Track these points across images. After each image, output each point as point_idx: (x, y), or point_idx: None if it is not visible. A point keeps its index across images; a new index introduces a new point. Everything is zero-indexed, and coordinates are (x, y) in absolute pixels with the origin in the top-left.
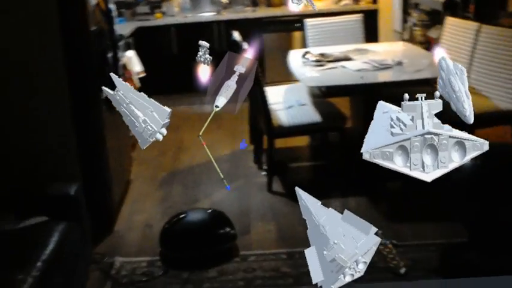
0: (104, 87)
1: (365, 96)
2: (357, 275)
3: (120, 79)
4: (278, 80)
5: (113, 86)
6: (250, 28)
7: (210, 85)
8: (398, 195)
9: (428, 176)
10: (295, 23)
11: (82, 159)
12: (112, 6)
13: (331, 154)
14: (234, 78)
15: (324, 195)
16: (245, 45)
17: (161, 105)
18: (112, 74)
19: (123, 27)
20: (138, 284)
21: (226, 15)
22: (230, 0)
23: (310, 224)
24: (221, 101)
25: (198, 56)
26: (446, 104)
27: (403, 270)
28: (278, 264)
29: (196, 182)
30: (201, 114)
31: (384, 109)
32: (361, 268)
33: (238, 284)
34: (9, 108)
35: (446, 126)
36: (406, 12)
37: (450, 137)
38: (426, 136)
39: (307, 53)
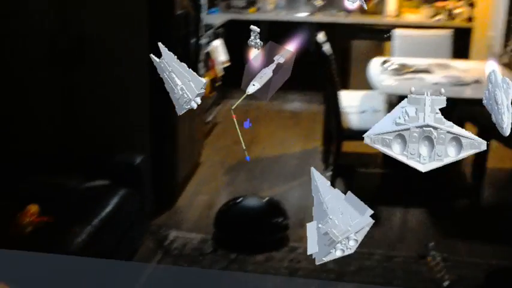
0: (151, 55)
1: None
2: (347, 252)
3: (165, 49)
4: (362, 87)
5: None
6: (340, 33)
7: (247, 70)
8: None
9: (424, 167)
10: (386, 32)
11: (154, 137)
12: None
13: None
14: (272, 66)
15: (385, 203)
16: (327, 48)
17: (198, 76)
18: (159, 43)
19: (215, 18)
20: (187, 257)
21: (319, 18)
22: (325, 3)
23: (316, 201)
24: (254, 86)
25: (250, 40)
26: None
27: (446, 284)
28: None
29: (262, 172)
30: (280, 110)
31: (403, 104)
32: (352, 245)
33: (281, 272)
34: (94, 82)
35: (449, 122)
36: (508, 36)
37: (448, 132)
38: (425, 128)
39: (386, 61)
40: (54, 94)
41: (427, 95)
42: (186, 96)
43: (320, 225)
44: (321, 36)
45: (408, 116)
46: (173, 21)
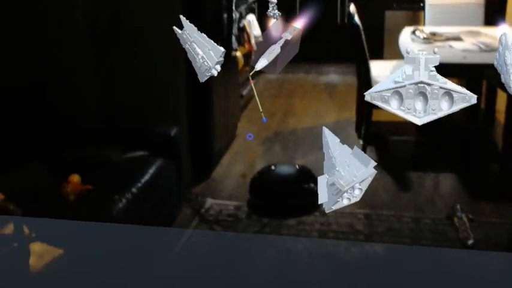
0: (174, 27)
1: (466, 77)
2: (353, 200)
3: (187, 20)
4: (395, 57)
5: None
6: (374, 4)
7: (258, 47)
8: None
9: (419, 120)
10: (420, 2)
11: (190, 110)
12: None
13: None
14: (280, 43)
15: (414, 169)
16: (356, 19)
17: (216, 45)
18: (181, 16)
19: None
20: (222, 222)
21: None
22: None
23: (326, 156)
24: (262, 62)
25: (268, 11)
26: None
27: (470, 242)
28: (353, 222)
29: (296, 143)
30: (315, 83)
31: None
32: (357, 194)
33: (312, 234)
34: (132, 57)
35: (443, 79)
36: None
37: (441, 87)
38: (419, 85)
39: (416, 30)
40: (94, 70)
41: (422, 54)
42: (206, 64)
43: (328, 177)
44: (351, 8)
45: (405, 74)
46: None
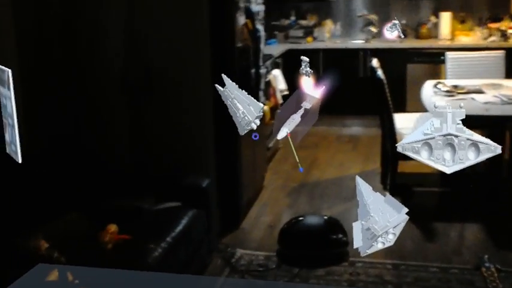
0: (216, 85)
1: (489, 129)
2: (387, 244)
3: (228, 79)
4: (417, 109)
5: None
6: (395, 58)
7: (278, 117)
8: None
9: (448, 169)
10: (440, 55)
11: (219, 162)
12: (260, 27)
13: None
14: (300, 112)
15: (441, 219)
16: (380, 73)
17: (256, 101)
18: (223, 75)
19: (274, 48)
20: (252, 272)
21: (374, 44)
22: (379, 30)
23: (360, 204)
24: (283, 132)
25: (301, 69)
26: None
27: None
28: (382, 273)
29: (322, 194)
30: (339, 135)
31: (431, 119)
32: (391, 238)
33: (342, 284)
34: (162, 110)
35: (469, 131)
36: None
37: (468, 139)
38: (447, 137)
39: (439, 83)
40: (126, 121)
41: (449, 109)
42: (246, 118)
43: (363, 222)
44: (374, 62)
45: (434, 127)
46: (234, 54)
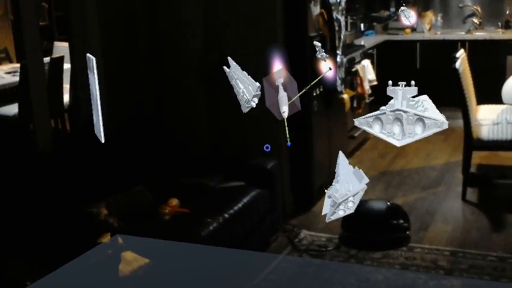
0: (224, 66)
1: None
2: (348, 212)
3: (233, 61)
4: None
5: None
6: (496, 49)
7: (270, 106)
8: None
9: (399, 143)
10: None
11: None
12: (340, 17)
13: None
14: (281, 89)
15: (507, 209)
16: (458, 64)
17: (254, 81)
18: (229, 57)
19: (370, 39)
20: (311, 251)
21: (475, 35)
22: (481, 22)
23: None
24: (284, 108)
25: (316, 54)
26: None
27: None
28: (438, 258)
29: (400, 183)
30: None
31: None
32: (350, 206)
33: (395, 268)
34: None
35: (422, 107)
36: None
37: (415, 114)
38: (396, 112)
39: None
40: (203, 103)
41: (401, 86)
42: (245, 97)
43: (326, 191)
44: (459, 53)
45: (389, 104)
46: (306, 42)
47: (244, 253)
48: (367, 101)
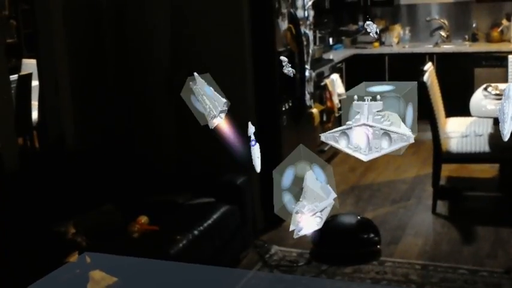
0: (190, 82)
1: None
2: (315, 227)
3: (199, 77)
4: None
5: None
6: (463, 62)
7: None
8: None
9: (365, 157)
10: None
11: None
12: (308, 32)
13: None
14: (253, 141)
15: (485, 223)
16: (426, 77)
17: (220, 97)
18: (194, 73)
19: (339, 53)
20: (282, 267)
21: (443, 48)
22: (449, 35)
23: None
24: (258, 164)
25: (283, 69)
26: None
27: None
28: (409, 272)
29: (371, 196)
30: None
31: None
32: (318, 221)
33: (366, 282)
34: None
35: (387, 122)
36: None
37: (381, 129)
38: (362, 127)
39: (489, 86)
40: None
41: (367, 101)
42: (212, 113)
43: (293, 206)
44: (426, 66)
45: (354, 118)
46: (274, 58)
47: (215, 269)
48: (337, 115)
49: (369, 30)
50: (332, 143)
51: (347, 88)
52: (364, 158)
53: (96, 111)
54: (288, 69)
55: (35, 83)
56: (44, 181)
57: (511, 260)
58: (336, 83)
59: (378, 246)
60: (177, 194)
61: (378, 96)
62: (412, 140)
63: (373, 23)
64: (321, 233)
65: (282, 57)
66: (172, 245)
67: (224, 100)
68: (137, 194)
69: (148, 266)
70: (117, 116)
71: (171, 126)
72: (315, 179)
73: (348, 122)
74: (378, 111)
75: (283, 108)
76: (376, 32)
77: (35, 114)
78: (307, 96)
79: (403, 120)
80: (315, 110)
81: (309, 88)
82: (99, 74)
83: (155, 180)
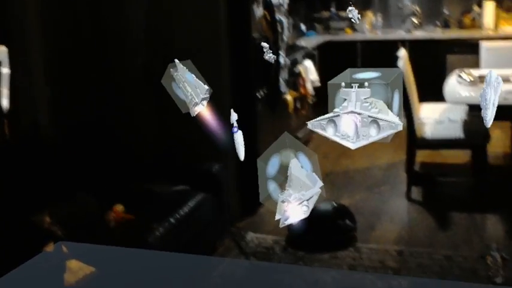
0: (170, 69)
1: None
2: (302, 216)
3: (180, 64)
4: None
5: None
6: (435, 48)
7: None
8: None
9: (353, 145)
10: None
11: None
12: (283, 18)
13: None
14: (235, 127)
15: (460, 208)
16: (400, 63)
17: (202, 84)
18: (176, 60)
19: (312, 40)
20: (258, 254)
21: (415, 35)
22: (421, 22)
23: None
24: (242, 152)
25: (264, 55)
26: None
27: (498, 280)
28: (386, 258)
29: (346, 183)
30: None
31: None
32: (305, 210)
33: (343, 268)
34: None
35: (374, 109)
36: None
37: (369, 116)
38: (350, 114)
39: (463, 72)
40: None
41: (354, 88)
42: (194, 100)
43: (280, 195)
44: (400, 52)
45: (342, 105)
46: (250, 44)
47: (191, 257)
48: (310, 102)
49: (350, 16)
50: (319, 130)
51: (321, 75)
52: (352, 146)
53: (71, 99)
54: (269, 56)
55: (4, 70)
56: (18, 170)
57: (486, 245)
58: (309, 70)
59: (354, 233)
60: (153, 183)
61: (366, 83)
62: (400, 128)
63: (346, 9)
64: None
65: (263, 44)
66: (149, 233)
67: (206, 87)
68: (113, 182)
69: (125, 254)
70: (93, 104)
71: (149, 113)
72: (300, 167)
73: (334, 110)
74: (365, 99)
75: (259, 96)
76: (358, 18)
77: (4, 102)
78: (282, 83)
79: (390, 107)
80: (289, 97)
81: (284, 75)
82: (74, 61)
83: (131, 168)
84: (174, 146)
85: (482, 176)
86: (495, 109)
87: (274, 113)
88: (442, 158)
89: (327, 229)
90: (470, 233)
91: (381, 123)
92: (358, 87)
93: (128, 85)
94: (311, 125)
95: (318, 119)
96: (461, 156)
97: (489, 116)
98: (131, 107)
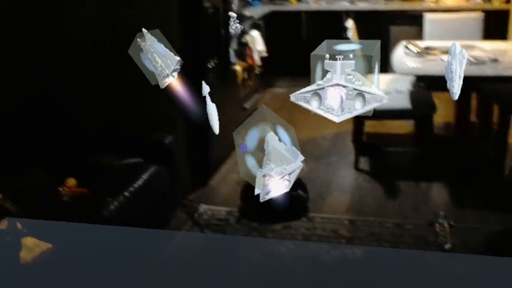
0: (137, 39)
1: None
2: (283, 190)
3: (149, 33)
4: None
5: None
6: (379, 20)
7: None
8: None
9: (337, 118)
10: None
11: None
12: None
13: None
14: (208, 99)
15: (406, 177)
16: (350, 34)
17: (173, 55)
18: (144, 29)
19: (257, 10)
20: (212, 226)
21: (360, 6)
22: None
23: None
24: (216, 125)
25: (230, 26)
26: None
27: (447, 246)
28: (338, 227)
29: None
30: None
31: None
32: (286, 184)
33: (296, 238)
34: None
35: (358, 82)
36: None
37: (354, 89)
38: (335, 87)
39: (410, 44)
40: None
41: (339, 60)
42: (164, 72)
43: (261, 170)
44: (348, 23)
45: (326, 78)
46: (201, 14)
47: (146, 231)
48: (257, 72)
49: None
50: (302, 103)
51: (267, 45)
52: (336, 119)
53: (17, 71)
54: (236, 26)
55: None
56: None
57: (434, 213)
58: (256, 40)
59: (307, 203)
60: (105, 155)
61: (351, 55)
62: (385, 101)
63: None
64: (250, 189)
65: (231, 13)
66: (103, 207)
67: (177, 58)
68: (64, 156)
69: (80, 229)
70: (41, 76)
71: (98, 84)
72: (277, 140)
73: (318, 82)
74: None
75: (210, 66)
76: None
77: None
78: (232, 53)
79: (370, 80)
80: (238, 67)
81: (233, 45)
82: (19, 34)
83: (81, 140)
84: (125, 118)
85: (428, 146)
86: (461, 81)
87: (224, 84)
88: (387, 128)
89: (280, 199)
90: (418, 201)
91: (366, 96)
92: (342, 59)
93: (74, 54)
94: (294, 97)
95: (301, 91)
96: (405, 126)
97: (456, 88)
98: (79, 77)
